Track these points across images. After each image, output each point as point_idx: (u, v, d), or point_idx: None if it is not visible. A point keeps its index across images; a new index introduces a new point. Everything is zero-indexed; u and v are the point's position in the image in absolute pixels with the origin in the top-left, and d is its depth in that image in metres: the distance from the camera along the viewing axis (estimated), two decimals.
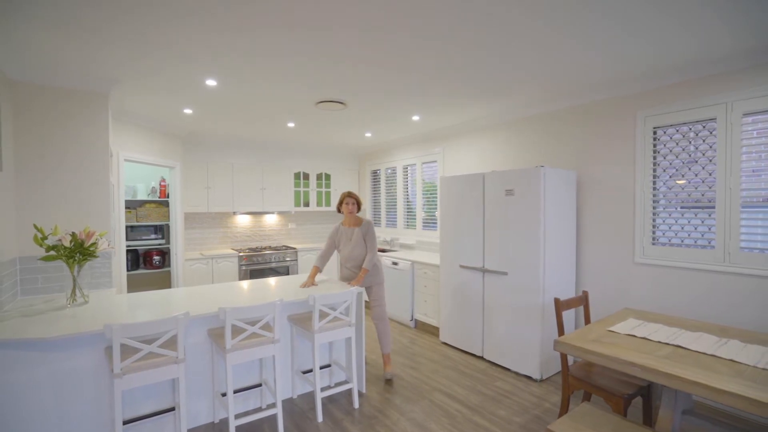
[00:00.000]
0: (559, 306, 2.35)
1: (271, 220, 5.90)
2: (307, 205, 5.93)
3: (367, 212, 6.25)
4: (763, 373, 1.57)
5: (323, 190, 6.07)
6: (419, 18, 1.92)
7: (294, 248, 5.51)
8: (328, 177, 6.12)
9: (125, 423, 2.21)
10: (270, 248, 5.47)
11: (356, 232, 3.13)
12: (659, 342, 1.91)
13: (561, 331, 2.31)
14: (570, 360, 2.60)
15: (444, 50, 2.32)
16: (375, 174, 6.10)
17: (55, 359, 2.04)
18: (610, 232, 3.20)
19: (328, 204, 6.11)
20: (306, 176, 5.90)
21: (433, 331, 4.25)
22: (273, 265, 5.27)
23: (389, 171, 5.76)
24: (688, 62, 2.58)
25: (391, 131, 4.86)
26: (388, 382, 3.06)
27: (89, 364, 2.12)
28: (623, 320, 2.27)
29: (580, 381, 2.26)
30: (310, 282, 2.95)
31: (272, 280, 3.22)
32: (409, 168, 5.40)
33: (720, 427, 1.87)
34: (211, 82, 2.94)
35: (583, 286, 3.37)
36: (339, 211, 3.26)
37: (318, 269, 3.09)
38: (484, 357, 3.49)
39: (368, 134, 5.02)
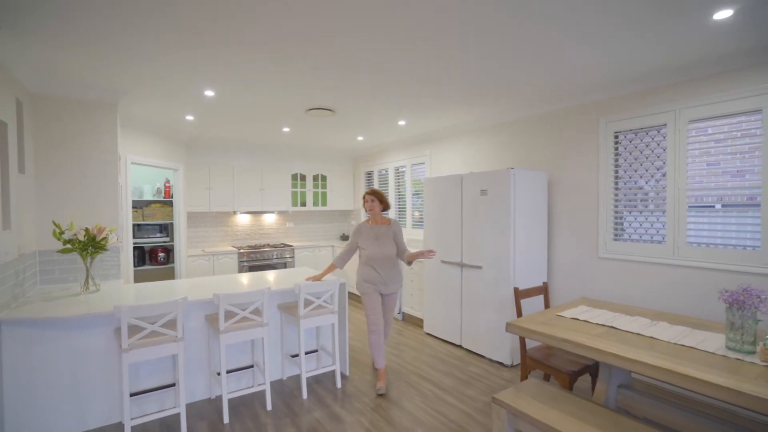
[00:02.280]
0: (518, 294, 2.61)
1: (269, 219, 6.21)
2: (304, 204, 6.22)
3: (362, 212, 6.53)
4: (675, 347, 1.82)
5: (319, 190, 6.37)
6: (401, 31, 2.13)
7: (291, 246, 5.81)
8: (324, 178, 6.41)
9: (132, 395, 2.51)
10: (269, 246, 5.77)
11: (384, 230, 2.98)
12: (597, 324, 2.17)
13: (519, 315, 2.57)
14: (533, 344, 2.85)
15: (425, 61, 2.57)
16: (369, 175, 6.39)
17: (71, 337, 2.35)
18: (577, 229, 3.45)
19: (324, 204, 6.41)
20: (303, 177, 6.20)
21: (418, 323, 4.52)
22: (271, 261, 5.57)
23: (382, 172, 6.04)
24: (642, 73, 2.83)
25: (381, 135, 5.14)
26: (381, 395, 2.85)
27: (101, 343, 2.43)
28: (575, 307, 2.53)
29: (536, 361, 2.52)
30: (319, 276, 3.01)
31: (265, 273, 3.51)
32: (400, 169, 5.67)
33: (652, 399, 2.11)
34: (209, 93, 3.25)
35: (553, 279, 3.63)
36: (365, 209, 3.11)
37: (335, 267, 3.02)
38: (462, 345, 3.76)
39: (360, 138, 5.31)
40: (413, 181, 5.40)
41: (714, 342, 1.85)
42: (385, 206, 3.05)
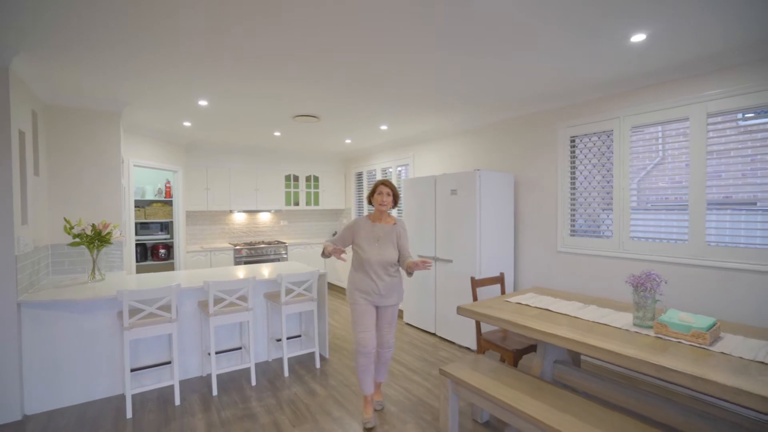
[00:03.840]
0: (474, 283, 2.93)
1: (265, 217, 6.56)
2: (297, 204, 6.57)
3: (352, 211, 6.86)
4: (593, 324, 2.13)
5: (312, 190, 6.71)
6: (377, 47, 2.40)
7: (285, 243, 6.15)
8: (316, 179, 6.75)
9: (132, 371, 2.86)
10: (263, 243, 6.12)
11: (387, 230, 2.46)
12: (534, 307, 2.48)
13: (474, 300, 2.88)
14: (491, 329, 3.16)
15: (400, 73, 2.85)
16: (359, 176, 6.72)
17: (80, 319, 2.70)
18: (539, 226, 3.76)
19: (316, 203, 6.75)
20: (296, 178, 6.55)
21: (399, 314, 4.84)
22: (266, 257, 5.92)
23: (372, 173, 6.36)
24: (591, 84, 3.13)
25: (367, 138, 5.46)
26: (378, 411, 2.61)
27: (105, 324, 2.77)
28: (523, 294, 2.84)
29: (489, 343, 2.83)
30: (339, 250, 2.40)
31: (257, 266, 3.85)
32: (387, 171, 5.99)
33: (582, 373, 2.41)
34: (203, 103, 3.59)
35: (519, 272, 3.93)
36: (369, 202, 2.54)
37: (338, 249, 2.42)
38: (436, 333, 4.08)
39: (348, 140, 5.64)
40: (398, 182, 5.72)
41: (625, 320, 2.15)
42: (396, 202, 2.52)
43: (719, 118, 2.63)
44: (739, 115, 2.54)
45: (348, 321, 4.66)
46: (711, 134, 2.67)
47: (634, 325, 2.06)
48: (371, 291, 2.42)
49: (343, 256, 2.43)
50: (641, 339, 1.88)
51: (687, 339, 1.81)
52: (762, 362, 1.59)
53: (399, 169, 5.72)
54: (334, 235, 7.03)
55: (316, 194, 6.76)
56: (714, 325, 1.84)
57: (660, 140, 2.97)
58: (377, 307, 2.48)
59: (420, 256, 4.13)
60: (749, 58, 2.45)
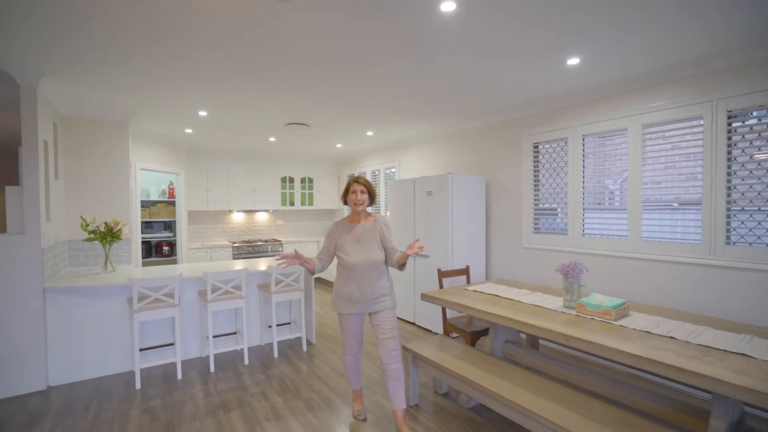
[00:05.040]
0: (440, 274, 3.31)
1: (262, 217, 6.96)
2: (292, 204, 6.97)
3: (345, 211, 7.25)
4: (531, 307, 2.51)
5: (306, 191, 7.11)
6: (358, 62, 2.83)
7: (280, 240, 6.55)
8: (311, 180, 7.15)
9: (140, 350, 3.26)
10: (261, 241, 6.52)
11: (368, 229, 2.32)
12: (487, 294, 2.86)
13: (440, 289, 3.27)
14: (457, 315, 3.54)
15: (382, 86, 3.21)
16: (351, 178, 7.10)
17: (95, 303, 3.10)
18: (507, 224, 4.13)
19: (311, 203, 7.15)
20: (291, 180, 6.95)
21: None
22: (263, 254, 6.32)
23: (362, 175, 6.75)
24: (547, 97, 3.51)
25: (356, 143, 5.85)
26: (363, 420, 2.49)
27: (117, 309, 3.18)
28: (483, 284, 3.22)
29: (452, 326, 3.21)
30: (299, 256, 2.21)
31: (252, 261, 4.25)
32: (375, 172, 6.38)
33: (529, 351, 2.79)
34: (202, 113, 3.99)
35: (491, 266, 4.31)
36: (345, 202, 2.40)
37: (314, 265, 2.32)
38: (415, 323, 4.46)
39: (339, 145, 6.03)
40: (384, 183, 6.10)
41: (558, 303, 2.53)
42: (373, 200, 2.38)
43: (654, 129, 3.00)
44: (667, 126, 2.92)
45: (327, 304, 5.04)
46: (647, 143, 3.04)
47: (564, 306, 2.44)
48: (358, 299, 2.26)
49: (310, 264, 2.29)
50: (564, 317, 2.26)
51: (598, 316, 2.19)
52: (648, 332, 1.97)
53: (387, 171, 6.11)
54: None
55: (311, 195, 7.16)
56: (622, 305, 2.22)
57: (606, 148, 3.34)
58: (370, 314, 2.34)
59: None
60: (672, 77, 2.82)
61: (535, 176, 3.90)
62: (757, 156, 2.50)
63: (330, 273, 6.79)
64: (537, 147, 3.90)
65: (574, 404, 1.94)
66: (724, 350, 1.71)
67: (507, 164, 4.13)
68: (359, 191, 2.32)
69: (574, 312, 2.33)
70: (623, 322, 2.13)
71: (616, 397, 2.22)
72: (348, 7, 1.95)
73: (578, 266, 2.38)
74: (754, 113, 2.55)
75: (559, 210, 3.72)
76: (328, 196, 7.31)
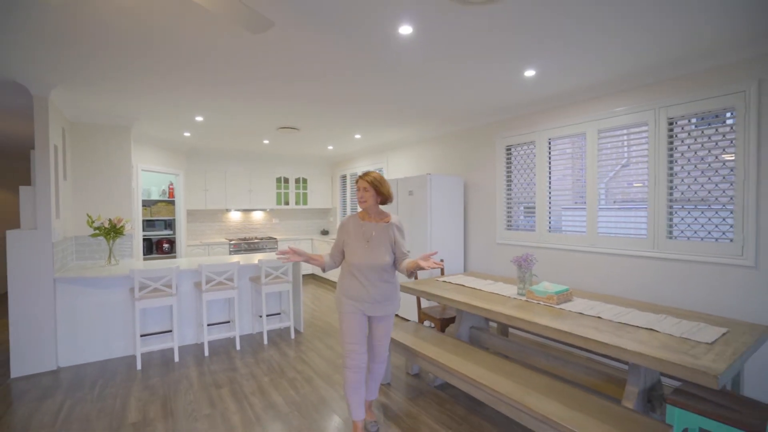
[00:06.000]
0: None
1: (258, 216, 7.27)
2: (287, 203, 7.27)
3: (338, 211, 7.55)
4: (489, 294, 2.79)
5: (300, 191, 7.42)
6: (343, 72, 3.12)
7: (275, 238, 6.86)
8: (305, 181, 7.46)
9: (141, 336, 3.57)
10: (257, 238, 6.83)
11: (379, 229, 2.20)
12: (454, 284, 3.15)
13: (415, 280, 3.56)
14: (432, 305, 3.83)
15: (365, 93, 3.51)
16: (343, 178, 7.41)
17: (100, 293, 3.41)
18: (483, 222, 4.43)
19: (305, 203, 7.46)
20: (286, 180, 7.26)
21: None
22: (258, 251, 6.62)
23: (354, 176, 7.04)
24: (516, 104, 3.80)
25: (346, 145, 6.15)
26: None
27: (120, 298, 3.49)
28: (455, 276, 3.51)
29: (426, 315, 3.51)
30: (291, 250, 2.14)
31: (246, 256, 4.55)
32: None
33: (492, 336, 3.08)
34: (199, 118, 4.30)
35: (468, 260, 4.60)
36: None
37: (323, 261, 2.24)
38: (398, 314, 4.76)
39: (330, 147, 6.33)
40: None
41: (514, 291, 2.82)
42: (384, 198, 2.24)
43: (608, 134, 3.29)
44: (618, 132, 3.20)
45: (319, 298, 5.35)
46: (602, 147, 3.32)
47: (517, 293, 2.73)
48: (362, 298, 2.15)
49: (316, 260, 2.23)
50: (514, 302, 2.56)
51: (543, 300, 2.48)
52: (581, 313, 2.26)
53: (377, 171, 6.40)
54: (321, 232, 7.73)
55: (305, 195, 7.47)
56: (565, 291, 2.51)
57: (568, 151, 3.63)
58: (369, 318, 2.22)
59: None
60: (622, 88, 3.11)
61: (507, 177, 4.19)
62: (723, 156, 2.68)
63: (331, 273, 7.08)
64: (509, 149, 4.19)
65: (518, 377, 2.23)
66: (637, 326, 2.00)
67: (482, 166, 4.43)
68: (362, 188, 2.23)
69: (524, 298, 2.62)
70: (564, 306, 2.42)
71: (557, 371, 2.51)
72: (320, 28, 2.25)
73: (529, 257, 2.67)
74: (693, 120, 2.83)
75: (526, 209, 4.01)
76: (321, 196, 7.62)
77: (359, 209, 2.45)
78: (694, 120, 2.79)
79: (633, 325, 2.03)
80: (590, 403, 1.92)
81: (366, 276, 2.16)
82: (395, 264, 2.25)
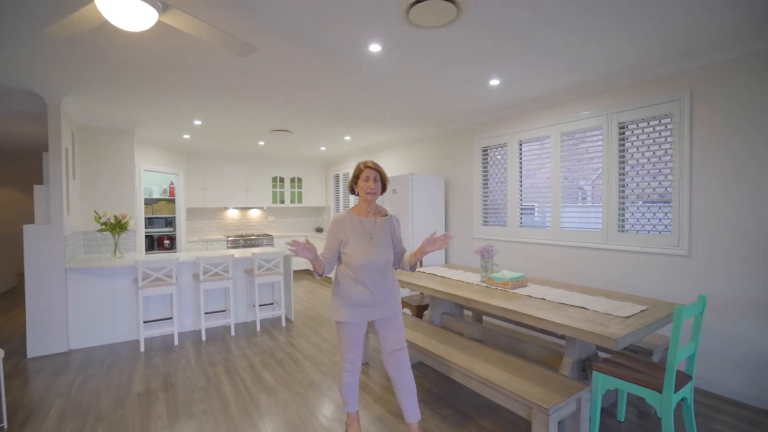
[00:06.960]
0: None
1: (254, 214, 7.60)
2: (282, 202, 7.60)
3: (331, 209, 7.87)
4: (458, 282, 3.11)
5: (296, 190, 7.74)
6: (331, 79, 3.49)
7: (271, 235, 7.18)
8: (300, 180, 7.78)
9: (145, 322, 3.89)
10: (254, 235, 7.15)
11: (381, 224, 2.05)
12: (428, 273, 3.47)
13: None
14: (414, 294, 4.14)
15: (343, 100, 3.87)
16: (336, 177, 7.73)
17: (107, 282, 3.74)
18: (462, 218, 4.74)
19: (300, 201, 7.78)
20: (282, 179, 7.58)
21: None
22: (254, 247, 6.94)
23: (346, 175, 7.36)
24: (488, 108, 4.11)
25: (337, 147, 6.47)
26: None
27: (125, 287, 3.82)
28: (432, 267, 3.82)
29: (404, 303, 3.83)
30: (304, 244, 1.83)
31: (243, 250, 4.88)
32: None
33: (461, 320, 3.39)
34: (197, 122, 4.62)
35: (450, 254, 4.91)
36: (353, 191, 2.10)
37: (322, 264, 1.98)
38: None
39: (323, 148, 6.65)
40: None
41: (478, 279, 3.13)
42: (384, 189, 2.08)
43: (569, 137, 3.60)
44: (577, 135, 3.51)
45: (310, 290, 5.67)
46: (564, 149, 3.63)
47: (480, 281, 3.04)
48: (367, 303, 1.98)
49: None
50: (476, 288, 2.87)
51: (500, 286, 2.80)
52: (530, 296, 2.57)
53: None
54: (316, 230, 8.05)
55: (300, 193, 7.79)
56: (520, 278, 2.82)
57: (536, 152, 3.94)
58: (375, 322, 2.07)
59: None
60: (579, 95, 3.42)
61: (484, 176, 4.50)
62: (665, 157, 3.02)
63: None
64: (486, 151, 4.50)
65: (474, 352, 2.54)
66: (572, 305, 2.32)
67: (461, 166, 4.74)
68: (372, 178, 1.98)
69: (485, 284, 2.93)
70: (518, 290, 2.73)
71: (512, 349, 2.82)
72: (298, 50, 2.56)
73: (490, 248, 2.99)
74: (640, 124, 3.14)
75: (500, 205, 4.32)
76: (316, 195, 7.94)
77: (351, 205, 2.31)
78: (642, 124, 3.09)
79: (569, 305, 2.34)
80: (532, 372, 2.23)
81: (369, 277, 1.98)
82: (394, 260, 2.11)
